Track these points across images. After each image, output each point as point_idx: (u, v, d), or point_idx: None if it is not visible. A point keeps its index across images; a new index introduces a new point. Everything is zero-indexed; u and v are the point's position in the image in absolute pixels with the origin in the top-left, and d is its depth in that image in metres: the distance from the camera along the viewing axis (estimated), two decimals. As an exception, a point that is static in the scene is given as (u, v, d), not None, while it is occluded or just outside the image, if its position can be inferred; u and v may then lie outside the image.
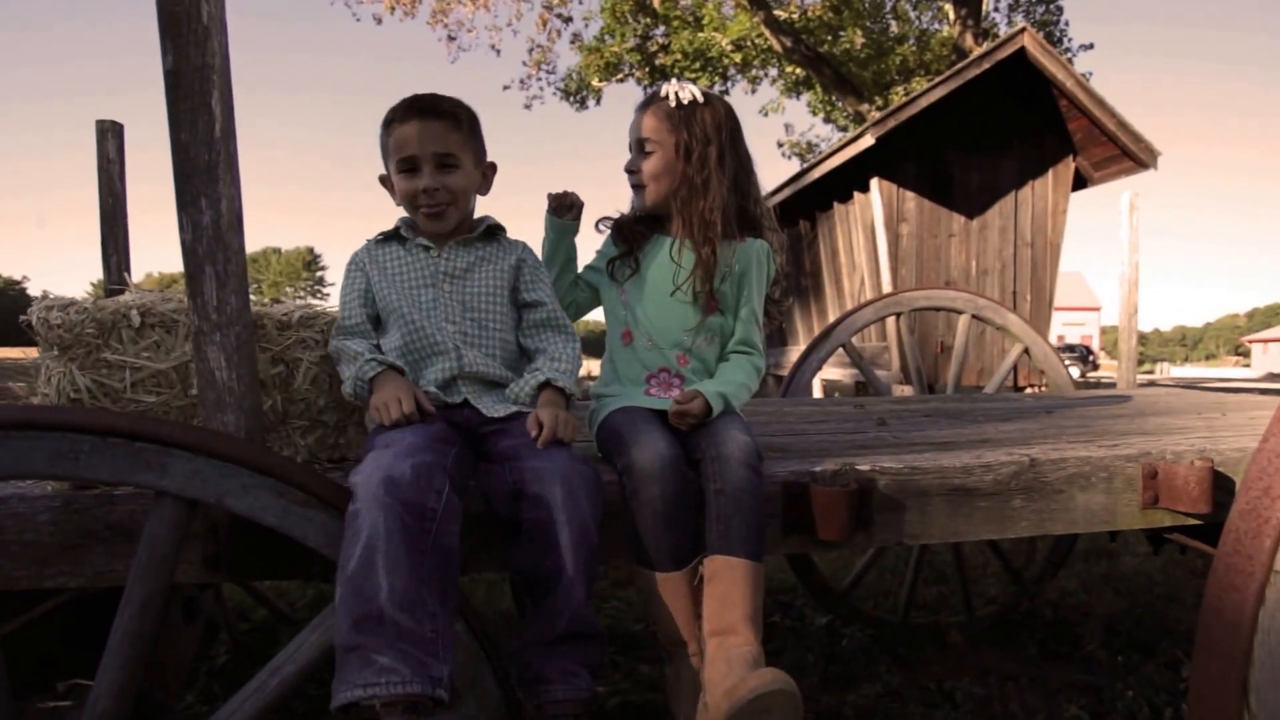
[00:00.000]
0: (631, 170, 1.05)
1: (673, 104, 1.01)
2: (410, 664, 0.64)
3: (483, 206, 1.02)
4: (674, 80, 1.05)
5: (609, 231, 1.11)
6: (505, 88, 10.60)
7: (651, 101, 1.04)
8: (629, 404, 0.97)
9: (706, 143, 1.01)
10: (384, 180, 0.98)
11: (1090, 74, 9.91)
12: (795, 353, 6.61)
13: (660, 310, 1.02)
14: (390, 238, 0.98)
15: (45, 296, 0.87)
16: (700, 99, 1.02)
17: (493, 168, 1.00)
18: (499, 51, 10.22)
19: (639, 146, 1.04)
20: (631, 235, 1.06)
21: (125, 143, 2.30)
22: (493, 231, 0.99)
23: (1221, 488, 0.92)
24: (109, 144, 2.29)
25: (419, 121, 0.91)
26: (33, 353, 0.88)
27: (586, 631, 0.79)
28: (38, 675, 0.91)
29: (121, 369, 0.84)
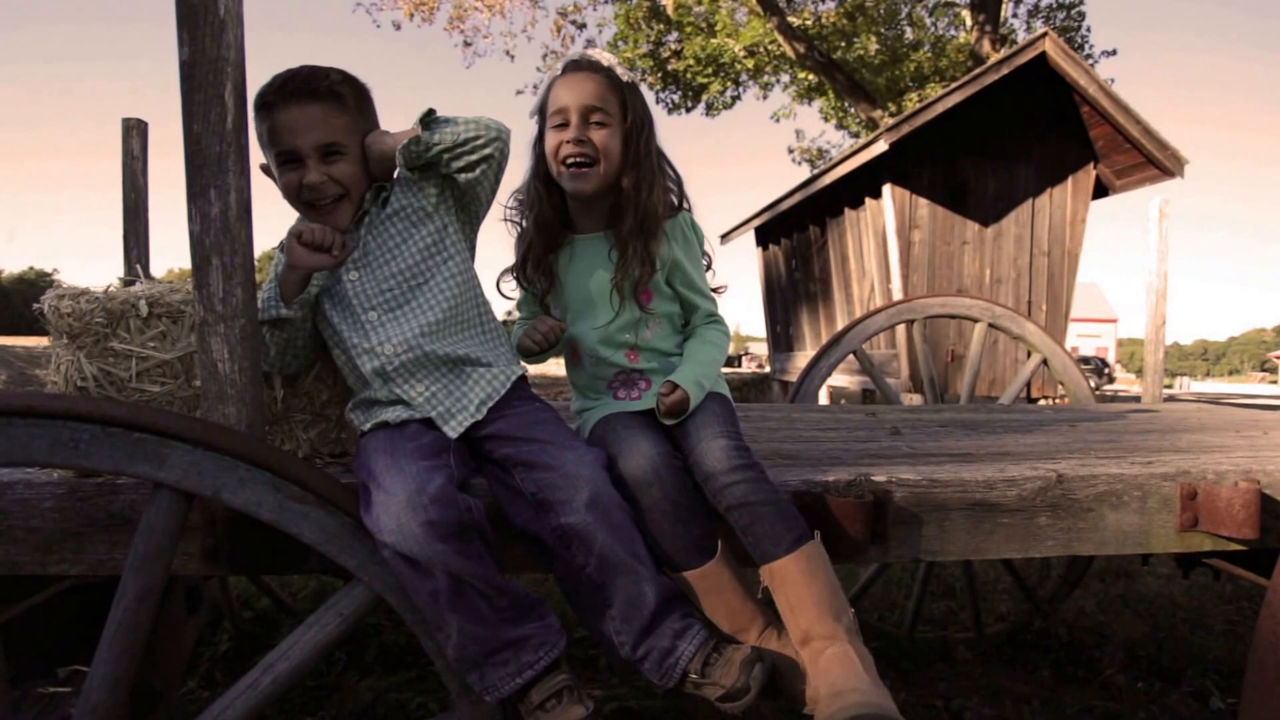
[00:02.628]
0: (579, 141, 0.87)
1: (623, 76, 0.90)
2: (549, 630, 0.75)
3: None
4: (595, 49, 0.94)
5: (516, 275, 0.97)
6: (519, 92, 10.69)
7: (594, 68, 0.89)
8: (605, 413, 0.93)
9: (644, 119, 0.91)
10: (266, 170, 0.86)
11: (1113, 80, 9.79)
12: (803, 358, 6.56)
13: (595, 317, 0.94)
14: None
15: (59, 286, 0.87)
16: (631, 76, 0.92)
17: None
18: (513, 57, 10.31)
19: (586, 115, 0.87)
20: (542, 243, 0.93)
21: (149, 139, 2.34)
22: (380, 190, 0.86)
23: (1270, 511, 0.88)
24: (133, 141, 2.33)
25: (298, 107, 0.80)
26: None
27: (676, 594, 0.80)
28: (40, 661, 0.90)
29: (128, 358, 0.84)
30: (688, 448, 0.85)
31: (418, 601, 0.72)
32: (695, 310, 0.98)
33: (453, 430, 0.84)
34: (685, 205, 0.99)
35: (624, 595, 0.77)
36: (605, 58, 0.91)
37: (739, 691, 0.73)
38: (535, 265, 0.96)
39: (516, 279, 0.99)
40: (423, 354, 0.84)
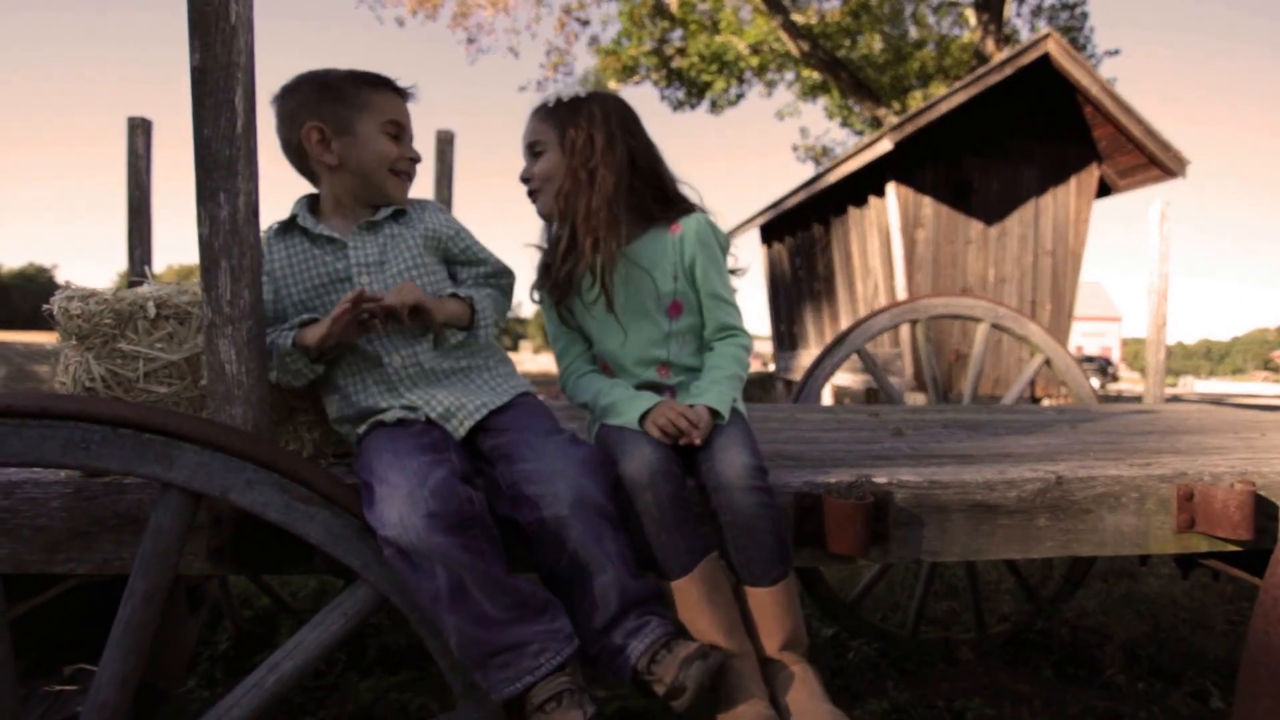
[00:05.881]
0: (525, 179, 0.99)
1: (552, 105, 0.97)
2: (554, 636, 0.74)
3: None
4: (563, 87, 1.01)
5: (543, 288, 1.02)
6: (521, 89, 10.73)
7: (535, 111, 1.00)
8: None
9: (590, 132, 0.94)
10: (316, 130, 0.87)
11: (1115, 79, 9.74)
12: (807, 357, 6.55)
13: (621, 337, 0.97)
14: (289, 227, 0.90)
15: (68, 286, 0.88)
16: (583, 95, 0.97)
17: None
18: (517, 54, 10.32)
19: (530, 151, 0.99)
20: (563, 271, 0.97)
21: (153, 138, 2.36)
22: (399, 213, 0.93)
23: (1265, 513, 0.88)
24: (138, 139, 2.34)
25: (404, 101, 0.93)
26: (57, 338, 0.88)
27: (640, 598, 0.79)
28: (45, 658, 0.91)
29: (135, 359, 0.84)
30: (706, 456, 0.86)
31: (421, 602, 0.72)
32: (713, 318, 0.98)
33: (455, 429, 0.86)
34: (700, 208, 1.01)
35: (589, 595, 0.78)
36: (551, 97, 0.98)
37: (676, 690, 0.73)
38: (559, 270, 0.99)
39: (541, 289, 1.02)
40: (429, 368, 0.88)
